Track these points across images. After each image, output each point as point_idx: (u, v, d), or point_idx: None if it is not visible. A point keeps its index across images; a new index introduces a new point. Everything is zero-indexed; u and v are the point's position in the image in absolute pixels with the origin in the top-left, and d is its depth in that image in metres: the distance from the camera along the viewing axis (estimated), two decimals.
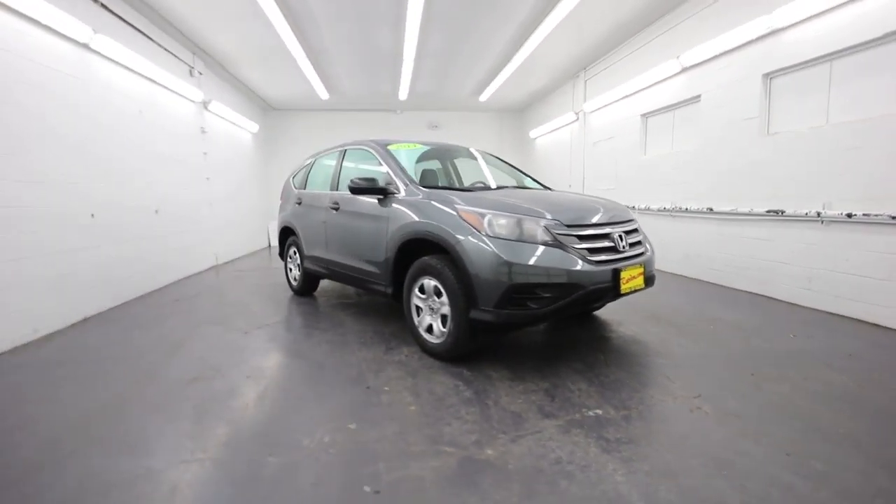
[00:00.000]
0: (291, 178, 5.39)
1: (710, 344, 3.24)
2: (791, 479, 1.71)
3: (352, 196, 3.84)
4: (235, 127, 8.89)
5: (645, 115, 6.49)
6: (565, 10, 5.42)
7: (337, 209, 4.04)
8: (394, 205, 3.32)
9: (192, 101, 6.83)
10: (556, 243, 2.61)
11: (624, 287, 2.73)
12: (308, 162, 5.14)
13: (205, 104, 7.23)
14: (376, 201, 3.52)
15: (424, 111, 11.51)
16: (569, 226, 2.72)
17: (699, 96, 5.35)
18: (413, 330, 3.17)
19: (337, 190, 4.23)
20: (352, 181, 3.48)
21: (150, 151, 5.55)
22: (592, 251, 2.70)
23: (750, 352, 3.08)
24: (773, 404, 2.32)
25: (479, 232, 2.66)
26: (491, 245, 2.59)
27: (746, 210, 4.66)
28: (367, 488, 1.70)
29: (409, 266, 3.22)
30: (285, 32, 5.91)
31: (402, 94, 9.42)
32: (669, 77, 5.79)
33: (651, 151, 6.48)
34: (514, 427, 2.14)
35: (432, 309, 3.01)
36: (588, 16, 5.79)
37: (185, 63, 6.68)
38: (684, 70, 5.52)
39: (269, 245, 10.98)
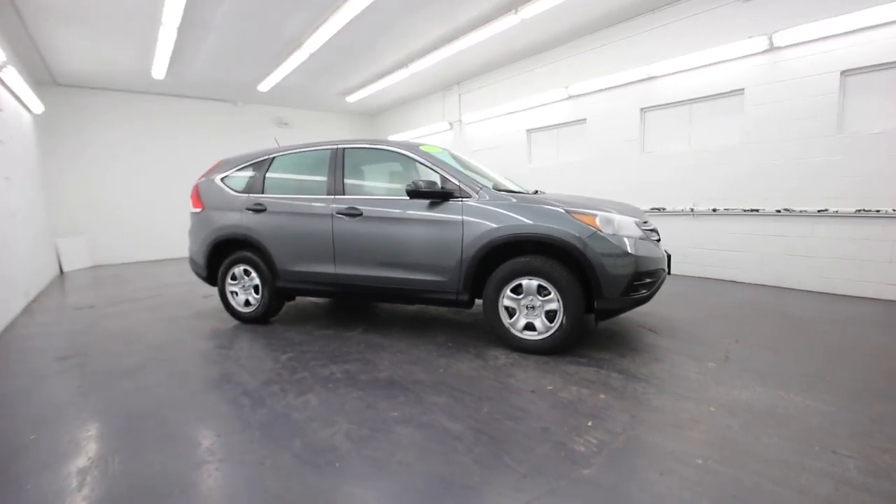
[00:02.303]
0: (219, 180, 4.30)
1: (682, 308, 4.33)
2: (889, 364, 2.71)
3: (388, 202, 3.51)
4: (21, 107, 6.18)
5: (530, 131, 7.65)
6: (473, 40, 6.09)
7: (355, 215, 3.56)
8: (466, 209, 3.24)
9: None
10: (645, 237, 3.14)
11: (671, 270, 3.47)
12: (255, 161, 4.21)
13: None
14: (426, 206, 3.35)
15: (273, 106, 10.30)
16: (644, 221, 3.29)
17: (585, 119, 6.72)
18: (504, 332, 3.19)
19: (342, 194, 3.70)
20: (413, 185, 3.23)
21: None
22: (657, 242, 3.34)
23: (709, 308, 4.28)
24: (793, 333, 3.42)
25: (596, 230, 2.95)
26: (613, 241, 2.93)
27: None
28: (697, 462, 1.87)
29: (484, 270, 3.23)
30: None
31: (266, 85, 8.29)
32: (557, 101, 7.03)
33: (536, 161, 7.69)
34: (708, 379, 2.58)
35: (531, 308, 3.12)
36: (481, 46, 6.52)
37: None
38: (571, 97, 6.82)
39: (62, 272, 7.95)
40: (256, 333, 3.89)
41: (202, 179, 4.42)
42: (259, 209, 3.98)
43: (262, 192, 4.07)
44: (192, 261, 4.45)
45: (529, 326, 3.14)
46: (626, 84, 6.11)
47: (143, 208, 8.95)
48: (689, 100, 5.58)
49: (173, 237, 8.95)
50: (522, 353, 3.17)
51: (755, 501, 1.62)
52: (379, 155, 3.79)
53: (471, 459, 1.94)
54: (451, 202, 3.30)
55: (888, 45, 4.08)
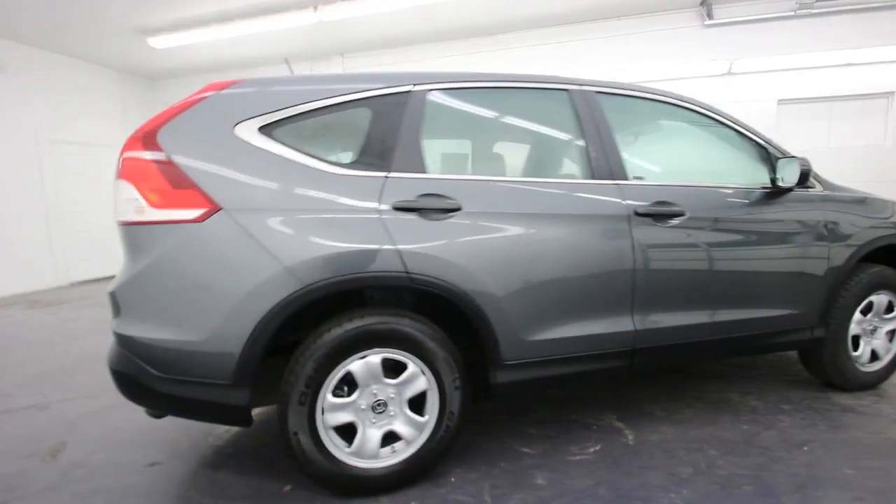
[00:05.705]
0: (259, 130, 1.62)
1: None
2: None
3: (720, 193, 2.14)
4: None
5: None
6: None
7: (673, 217, 1.94)
8: (824, 203, 2.30)
9: None
10: None
11: None
12: (363, 95, 1.75)
13: None
14: (760, 200, 2.20)
15: None
16: None
17: None
18: (848, 369, 2.35)
19: (624, 178, 1.95)
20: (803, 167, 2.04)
21: None
22: None
23: None
24: None
25: None
26: None
27: None
28: None
29: None
30: None
31: None
32: None
33: None
34: None
35: (869, 332, 2.43)
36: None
37: None
38: None
39: None
40: None
41: (174, 137, 1.56)
42: (439, 211, 1.68)
43: (424, 171, 1.75)
44: (181, 354, 1.53)
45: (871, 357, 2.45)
46: None
47: None
48: None
49: None
50: (872, 394, 2.42)
51: None
52: (658, 111, 2.28)
53: None
54: (802, 193, 2.26)
55: (809, 83, 5.37)
